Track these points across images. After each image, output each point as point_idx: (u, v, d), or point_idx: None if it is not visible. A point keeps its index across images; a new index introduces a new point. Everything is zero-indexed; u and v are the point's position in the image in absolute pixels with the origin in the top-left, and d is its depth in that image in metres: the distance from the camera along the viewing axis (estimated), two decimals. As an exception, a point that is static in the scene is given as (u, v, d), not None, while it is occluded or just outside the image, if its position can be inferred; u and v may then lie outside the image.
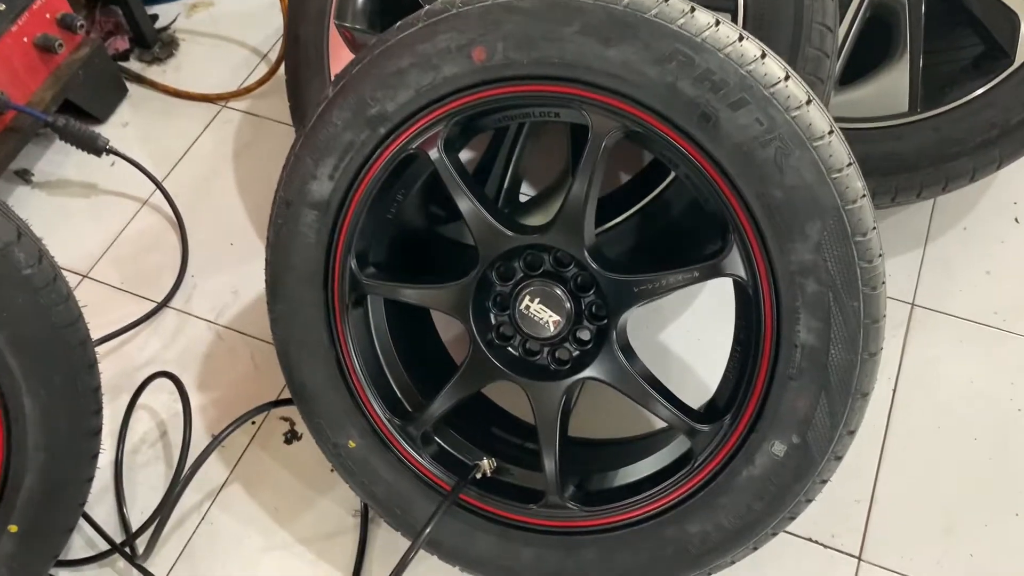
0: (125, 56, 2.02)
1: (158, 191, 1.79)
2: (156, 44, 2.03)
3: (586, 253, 1.09)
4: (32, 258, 1.16)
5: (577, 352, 1.16)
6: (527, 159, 1.47)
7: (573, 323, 1.14)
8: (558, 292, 1.13)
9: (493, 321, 1.19)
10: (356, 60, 1.12)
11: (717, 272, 1.05)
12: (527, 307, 1.14)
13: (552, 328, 1.14)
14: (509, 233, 1.12)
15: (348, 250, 1.17)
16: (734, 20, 1.27)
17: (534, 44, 1.02)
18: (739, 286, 1.07)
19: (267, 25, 2.07)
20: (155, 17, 2.07)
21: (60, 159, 1.88)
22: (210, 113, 1.95)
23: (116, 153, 1.74)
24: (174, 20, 2.10)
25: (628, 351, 1.14)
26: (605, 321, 1.13)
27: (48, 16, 1.75)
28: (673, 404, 1.12)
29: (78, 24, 1.78)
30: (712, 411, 1.14)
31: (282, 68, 1.72)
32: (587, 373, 1.14)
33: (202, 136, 1.92)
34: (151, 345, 1.62)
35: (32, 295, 1.16)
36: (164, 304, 1.66)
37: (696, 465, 1.10)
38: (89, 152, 1.75)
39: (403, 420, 1.23)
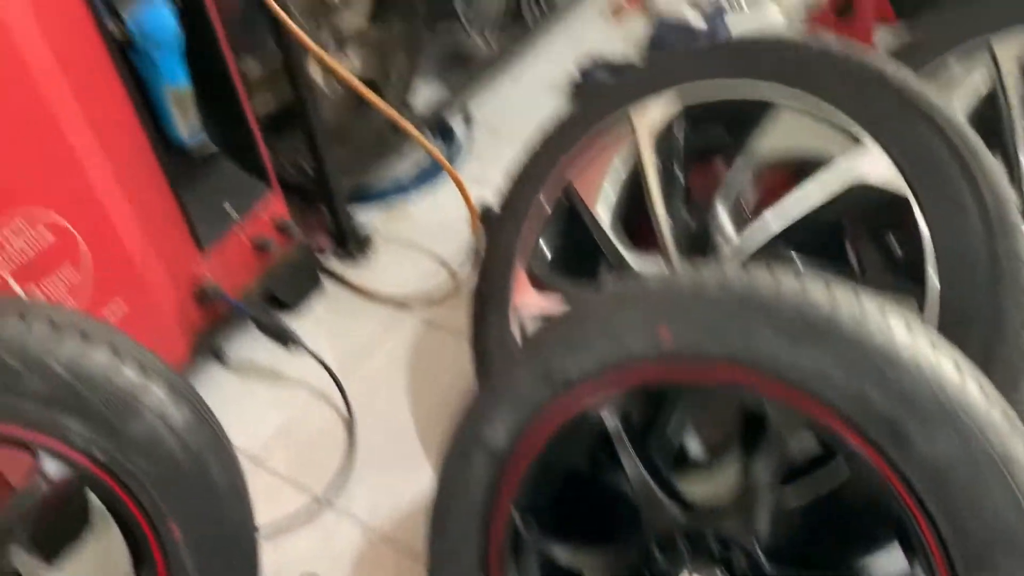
0: (323, 252, 2.19)
1: (336, 387, 1.89)
2: (353, 245, 2.20)
3: (756, 545, 1.06)
4: (223, 465, 1.24)
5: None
6: (699, 415, 1.47)
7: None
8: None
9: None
10: (544, 323, 1.17)
11: (899, 590, 1.00)
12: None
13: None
14: (676, 510, 1.11)
15: (513, 500, 1.19)
16: (921, 307, 1.26)
17: (722, 333, 1.04)
18: (921, 609, 1.00)
19: (458, 238, 2.20)
20: (353, 221, 2.24)
21: (252, 343, 2.03)
22: (395, 317, 2.07)
23: (302, 346, 1.87)
24: (372, 224, 2.28)
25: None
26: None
27: (269, 220, 1.94)
28: None
29: (294, 230, 1.97)
30: None
31: (468, 284, 1.83)
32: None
33: (385, 338, 2.03)
34: (305, 542, 1.66)
35: (216, 500, 1.23)
36: (324, 502, 1.71)
37: None
38: (278, 343, 1.89)
39: None
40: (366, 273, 2.17)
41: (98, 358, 1.17)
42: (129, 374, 1.18)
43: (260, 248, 1.92)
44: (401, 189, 2.41)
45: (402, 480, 1.73)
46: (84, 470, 1.18)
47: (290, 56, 1.93)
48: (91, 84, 1.52)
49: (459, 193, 2.09)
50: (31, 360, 1.13)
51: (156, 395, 1.19)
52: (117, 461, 1.18)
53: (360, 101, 2.05)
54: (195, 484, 1.22)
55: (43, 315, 1.17)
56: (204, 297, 1.83)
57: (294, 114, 2.04)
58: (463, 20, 2.51)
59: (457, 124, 2.57)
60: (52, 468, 1.17)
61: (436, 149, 2.12)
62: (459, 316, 1.92)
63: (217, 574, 1.24)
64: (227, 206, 1.88)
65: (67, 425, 1.15)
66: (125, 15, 1.53)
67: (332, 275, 2.16)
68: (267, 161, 1.91)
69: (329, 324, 2.07)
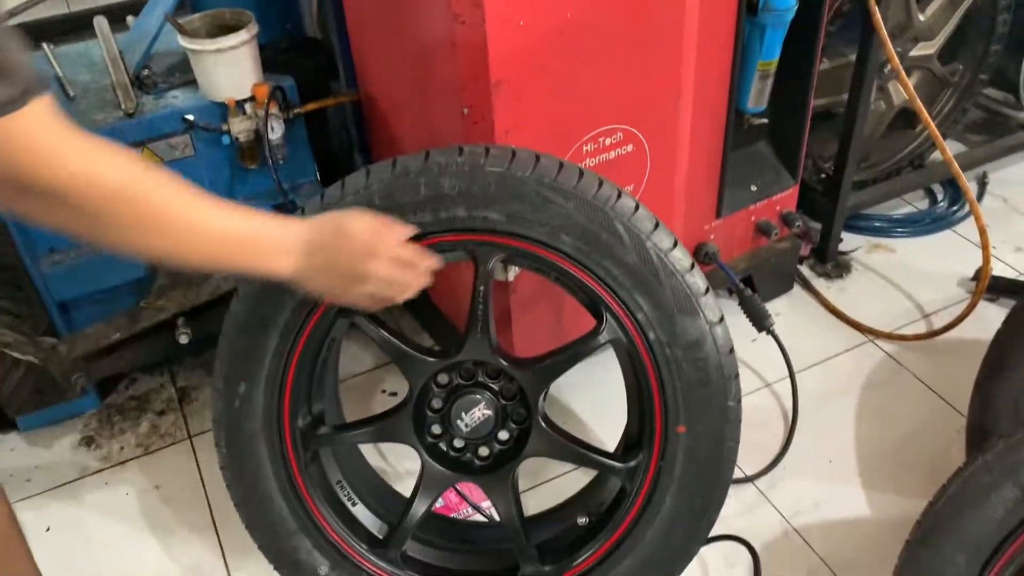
0: (800, 260, 2.24)
1: (790, 384, 1.87)
2: (831, 263, 2.25)
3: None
4: (735, 399, 1.30)
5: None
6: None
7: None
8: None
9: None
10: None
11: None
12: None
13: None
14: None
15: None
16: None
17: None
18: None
19: (941, 291, 2.11)
20: (839, 240, 2.29)
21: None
22: (854, 340, 2.08)
23: (774, 336, 1.81)
24: (854, 250, 2.31)
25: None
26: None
27: (777, 209, 2.02)
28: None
29: (795, 223, 2.00)
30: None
31: (943, 338, 1.95)
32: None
33: (840, 356, 2.04)
34: (728, 508, 1.45)
35: (721, 425, 1.30)
36: (750, 479, 1.78)
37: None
38: (752, 323, 1.80)
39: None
40: (837, 293, 2.22)
41: (678, 255, 1.25)
42: (699, 280, 1.26)
43: (761, 232, 1.98)
44: (893, 226, 2.39)
45: (829, 493, 1.75)
46: (632, 345, 1.27)
47: (865, 63, 1.93)
48: (714, 38, 1.62)
49: (961, 247, 2.07)
50: (633, 236, 1.23)
51: (711, 306, 1.26)
52: (662, 349, 1.25)
53: (892, 128, 2.16)
54: (713, 402, 1.27)
55: (648, 213, 1.28)
56: (701, 257, 1.91)
57: (831, 115, 2.13)
58: (1021, 95, 2.54)
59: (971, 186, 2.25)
60: (608, 333, 1.29)
61: (973, 197, 1.99)
62: (928, 364, 1.96)
63: (698, 485, 1.33)
64: (753, 187, 1.95)
65: (638, 301, 1.24)
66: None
67: (804, 283, 2.23)
68: (803, 156, 1.95)
69: (789, 325, 2.10)
